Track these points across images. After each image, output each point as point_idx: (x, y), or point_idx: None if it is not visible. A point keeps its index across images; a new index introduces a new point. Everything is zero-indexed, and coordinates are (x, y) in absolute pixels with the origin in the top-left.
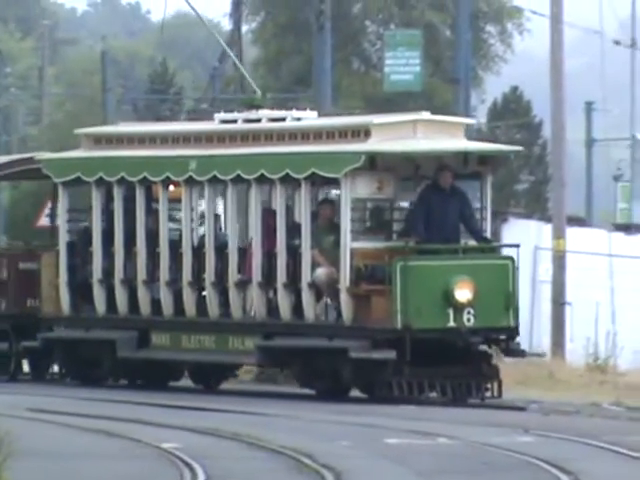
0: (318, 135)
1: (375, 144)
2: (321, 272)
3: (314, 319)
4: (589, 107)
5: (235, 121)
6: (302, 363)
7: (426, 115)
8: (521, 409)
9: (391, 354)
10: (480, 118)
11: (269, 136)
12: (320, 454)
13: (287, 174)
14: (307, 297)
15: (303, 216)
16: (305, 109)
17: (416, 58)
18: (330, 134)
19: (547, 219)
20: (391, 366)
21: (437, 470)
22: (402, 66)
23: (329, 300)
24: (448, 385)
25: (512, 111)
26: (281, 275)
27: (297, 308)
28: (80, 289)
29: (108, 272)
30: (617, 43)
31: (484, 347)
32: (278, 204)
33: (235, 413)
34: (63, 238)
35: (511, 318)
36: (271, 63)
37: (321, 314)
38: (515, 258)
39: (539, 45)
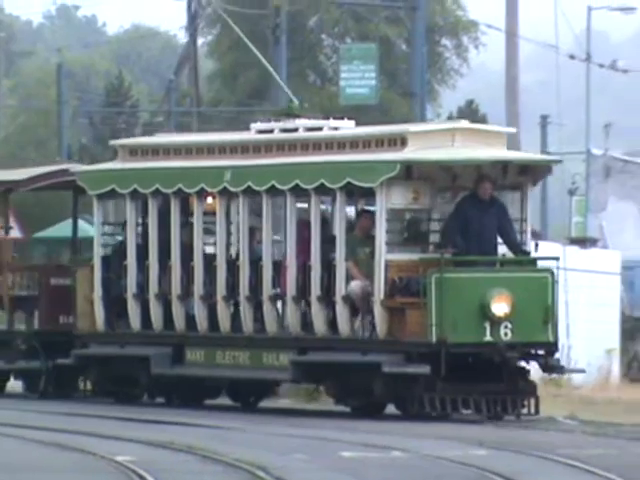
0: (355, 144)
1: (411, 153)
2: (355, 285)
3: (348, 333)
4: (544, 121)
5: (272, 131)
6: (336, 379)
7: (465, 124)
8: (476, 422)
9: (425, 369)
10: None
11: (305, 146)
12: (274, 467)
13: (322, 184)
14: (341, 311)
15: (337, 227)
16: (343, 118)
17: (372, 71)
18: (366, 143)
19: None
20: (424, 381)
21: None
22: (358, 79)
23: (363, 314)
24: (483, 402)
25: None
26: (315, 288)
27: (332, 322)
28: (115, 304)
29: (143, 287)
30: (572, 57)
31: (521, 363)
32: (312, 215)
33: (190, 426)
34: (98, 252)
35: (550, 333)
36: (227, 76)
37: (357, 328)
38: (554, 271)
39: (495, 59)
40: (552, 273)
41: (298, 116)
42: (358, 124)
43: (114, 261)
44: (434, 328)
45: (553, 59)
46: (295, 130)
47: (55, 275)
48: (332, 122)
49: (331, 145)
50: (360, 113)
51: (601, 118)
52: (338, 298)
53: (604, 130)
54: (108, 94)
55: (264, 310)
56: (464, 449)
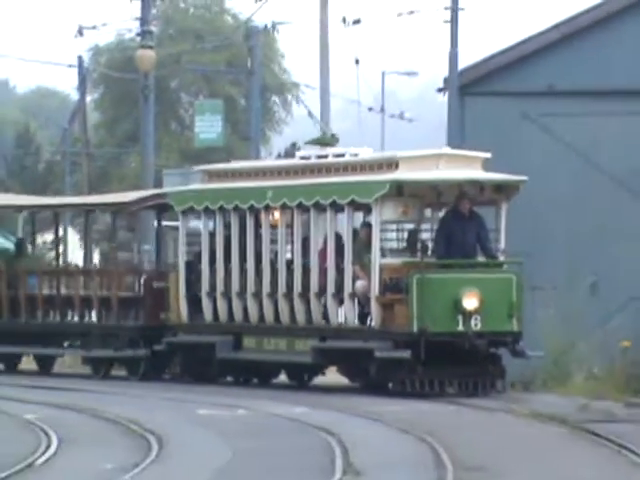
0: (362, 167)
1: (400, 174)
2: (359, 284)
3: (354, 324)
4: None
5: (309, 157)
6: (345, 362)
7: (447, 150)
8: (305, 388)
9: (407, 353)
10: None
11: (328, 169)
12: (145, 422)
13: (334, 201)
14: (348, 305)
15: (345, 236)
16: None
17: (219, 121)
18: (371, 166)
19: None
20: (407, 365)
21: (235, 432)
22: (208, 127)
23: (365, 308)
24: (457, 383)
25: None
26: (330, 287)
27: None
28: (196, 301)
29: (213, 286)
30: (370, 109)
31: (494, 350)
32: (328, 226)
33: (82, 391)
34: (182, 259)
35: (514, 324)
36: (108, 125)
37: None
38: (520, 273)
39: (312, 110)
40: (517, 274)
41: (329, 145)
42: (208, 162)
43: (195, 265)
44: (415, 320)
45: (357, 111)
46: (326, 156)
47: (157, 279)
48: (352, 149)
49: (346, 168)
50: (210, 153)
51: None
52: (345, 295)
53: None
54: (18, 138)
55: (294, 305)
56: (289, 408)
